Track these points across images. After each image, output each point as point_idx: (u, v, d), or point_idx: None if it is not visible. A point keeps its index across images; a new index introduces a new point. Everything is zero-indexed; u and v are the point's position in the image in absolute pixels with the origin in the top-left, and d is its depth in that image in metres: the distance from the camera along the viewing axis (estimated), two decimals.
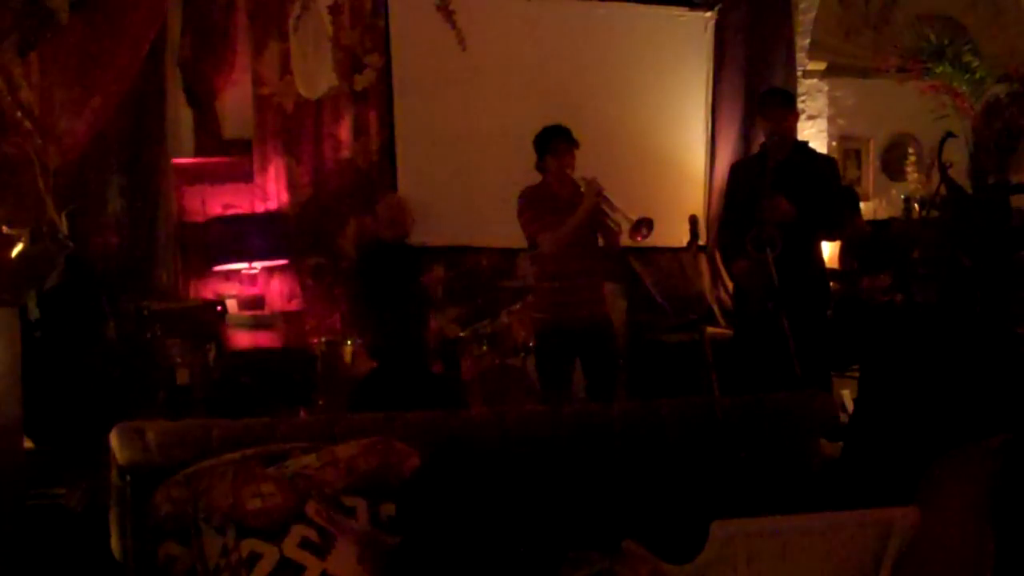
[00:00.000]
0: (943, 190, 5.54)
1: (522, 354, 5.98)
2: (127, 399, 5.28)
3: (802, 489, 2.95)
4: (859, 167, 7.74)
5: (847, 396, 5.95)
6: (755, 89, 7.09)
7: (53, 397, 4.92)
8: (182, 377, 5.76)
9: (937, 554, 2.72)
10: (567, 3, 7.23)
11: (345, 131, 6.79)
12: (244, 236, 6.37)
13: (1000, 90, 6.76)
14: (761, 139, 5.58)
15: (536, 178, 5.16)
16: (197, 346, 5.79)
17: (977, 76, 6.83)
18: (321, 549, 2.34)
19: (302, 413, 5.44)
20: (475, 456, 2.79)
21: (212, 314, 6.06)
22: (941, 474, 2.87)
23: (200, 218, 6.57)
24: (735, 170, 5.61)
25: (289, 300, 6.65)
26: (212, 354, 5.81)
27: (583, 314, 5.03)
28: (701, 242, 6.64)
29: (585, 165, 5.11)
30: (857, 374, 5.43)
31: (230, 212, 6.60)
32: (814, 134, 7.40)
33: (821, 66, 7.61)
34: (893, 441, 3.32)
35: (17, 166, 5.32)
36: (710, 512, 2.35)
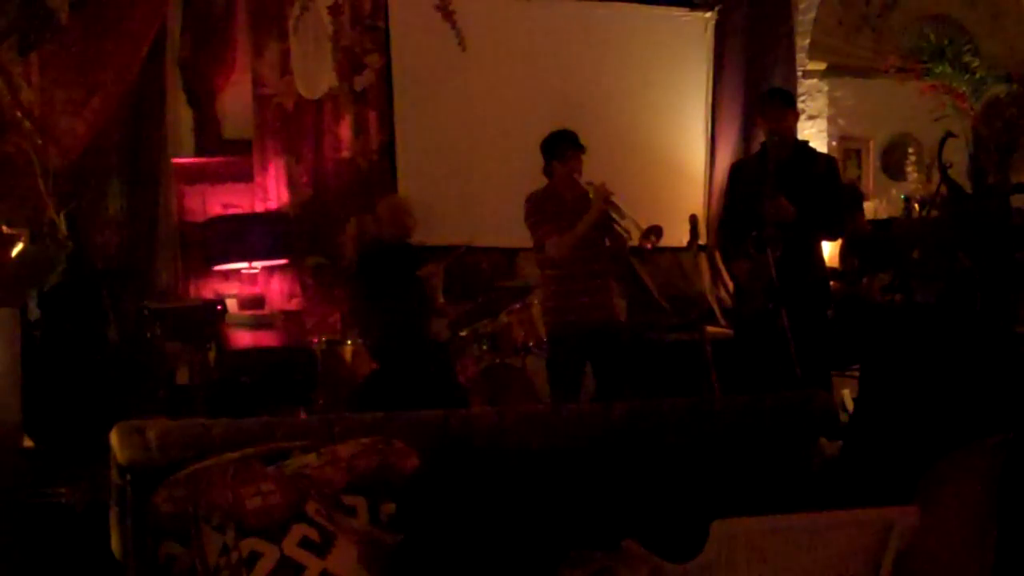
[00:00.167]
0: (943, 190, 5.55)
1: (522, 354, 5.98)
2: (127, 398, 5.28)
3: (802, 489, 2.95)
4: (859, 167, 7.74)
5: (847, 396, 5.95)
6: (755, 89, 7.09)
7: (53, 397, 4.92)
8: (182, 377, 5.77)
9: (937, 554, 2.72)
10: (567, 3, 7.23)
11: (345, 131, 6.79)
12: (244, 236, 6.37)
13: (1000, 90, 6.77)
14: (761, 139, 5.58)
15: (542, 182, 5.16)
16: (197, 346, 5.79)
17: (977, 76, 6.84)
18: (321, 548, 2.34)
19: (302, 413, 5.44)
20: (475, 456, 2.79)
21: (212, 314, 6.05)
22: (941, 473, 2.87)
23: (200, 218, 6.57)
24: (736, 170, 5.61)
25: (289, 300, 6.65)
26: (212, 354, 5.81)
27: (594, 316, 5.03)
28: (701, 242, 6.63)
29: (585, 165, 5.11)
30: (857, 374, 5.43)
31: (230, 212, 6.60)
32: (814, 134, 7.40)
33: (821, 66, 7.61)
34: (893, 441, 3.32)
35: (17, 166, 5.33)
36: (710, 512, 2.35)
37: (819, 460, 3.14)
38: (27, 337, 4.55)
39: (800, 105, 6.96)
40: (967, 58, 6.92)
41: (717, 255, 7.11)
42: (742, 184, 5.29)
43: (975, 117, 6.73)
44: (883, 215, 7.17)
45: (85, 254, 5.70)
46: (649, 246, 4.87)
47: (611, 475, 2.86)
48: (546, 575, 2.60)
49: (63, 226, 5.44)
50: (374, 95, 6.84)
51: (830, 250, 5.99)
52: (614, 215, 4.90)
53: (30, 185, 5.39)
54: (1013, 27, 7.31)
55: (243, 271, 6.52)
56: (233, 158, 6.67)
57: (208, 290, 6.53)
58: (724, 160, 7.26)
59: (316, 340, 6.06)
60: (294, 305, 6.64)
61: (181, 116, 6.63)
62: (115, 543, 2.60)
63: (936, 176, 5.83)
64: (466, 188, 6.85)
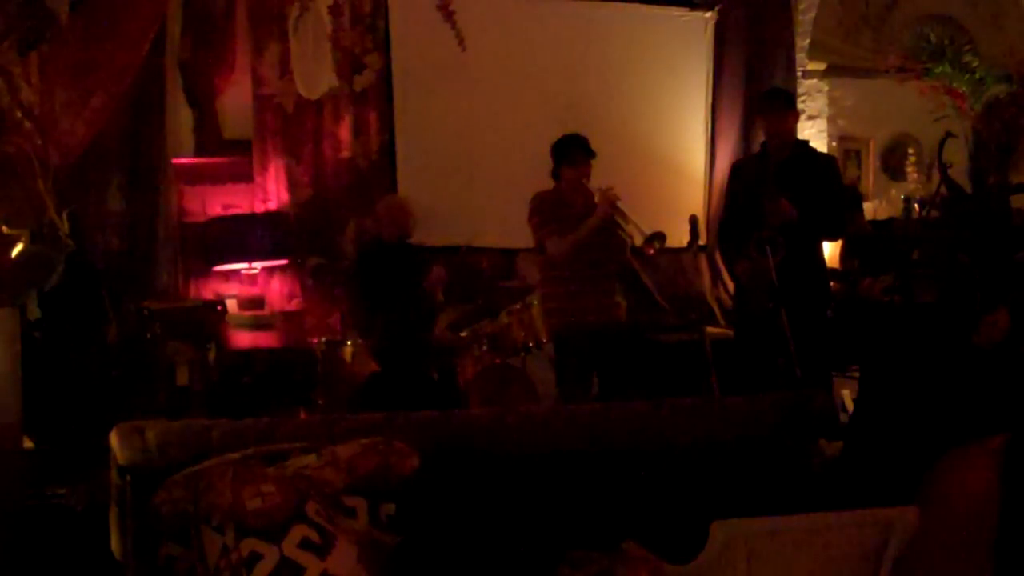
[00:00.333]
0: (943, 190, 5.55)
1: (522, 354, 5.98)
2: (127, 399, 5.28)
3: (802, 489, 2.95)
4: (859, 167, 7.74)
5: (847, 396, 5.95)
6: (755, 89, 7.09)
7: (53, 397, 4.93)
8: (182, 377, 5.76)
9: (937, 554, 2.72)
10: (567, 3, 7.23)
11: (345, 131, 6.80)
12: (244, 236, 6.38)
13: (1000, 90, 6.77)
14: (761, 139, 5.58)
15: (542, 181, 5.15)
16: (197, 346, 5.79)
17: (977, 76, 6.84)
18: (321, 549, 2.34)
19: (302, 413, 5.44)
20: (475, 456, 2.79)
21: (212, 314, 6.06)
22: (941, 473, 2.87)
23: (200, 218, 6.58)
24: (736, 169, 5.61)
25: (289, 300, 6.65)
26: (212, 354, 5.81)
27: (596, 318, 5.03)
28: (701, 242, 6.65)
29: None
30: (857, 374, 5.44)
31: (230, 212, 6.60)
32: (814, 134, 7.40)
33: (821, 66, 7.61)
34: (893, 441, 3.33)
35: (17, 166, 5.32)
36: (710, 512, 2.35)
37: (819, 460, 3.14)
38: (27, 337, 4.55)
39: (800, 105, 6.97)
40: (967, 58, 6.93)
41: (717, 255, 7.11)
42: (742, 184, 5.28)
43: (975, 117, 6.74)
44: (883, 215, 7.18)
45: (85, 254, 5.70)
46: (652, 252, 4.87)
47: (611, 475, 2.86)
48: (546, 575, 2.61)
49: (63, 226, 5.44)
50: (374, 95, 6.84)
51: (830, 250, 6.00)
52: (619, 220, 4.90)
53: (30, 185, 5.39)
54: (1013, 27, 7.31)
55: (243, 271, 6.53)
56: (233, 158, 6.67)
57: (208, 290, 6.53)
58: (724, 160, 7.26)
59: (316, 340, 6.06)
60: (294, 305, 6.64)
61: (181, 116, 6.63)
62: (115, 544, 2.60)
63: (936, 176, 5.84)
64: (466, 188, 6.85)
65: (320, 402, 5.76)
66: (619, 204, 4.87)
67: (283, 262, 6.59)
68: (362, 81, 6.80)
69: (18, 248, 4.74)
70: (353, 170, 6.82)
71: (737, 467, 2.93)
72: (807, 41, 7.53)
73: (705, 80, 7.45)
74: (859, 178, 7.69)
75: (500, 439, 2.86)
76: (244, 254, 6.39)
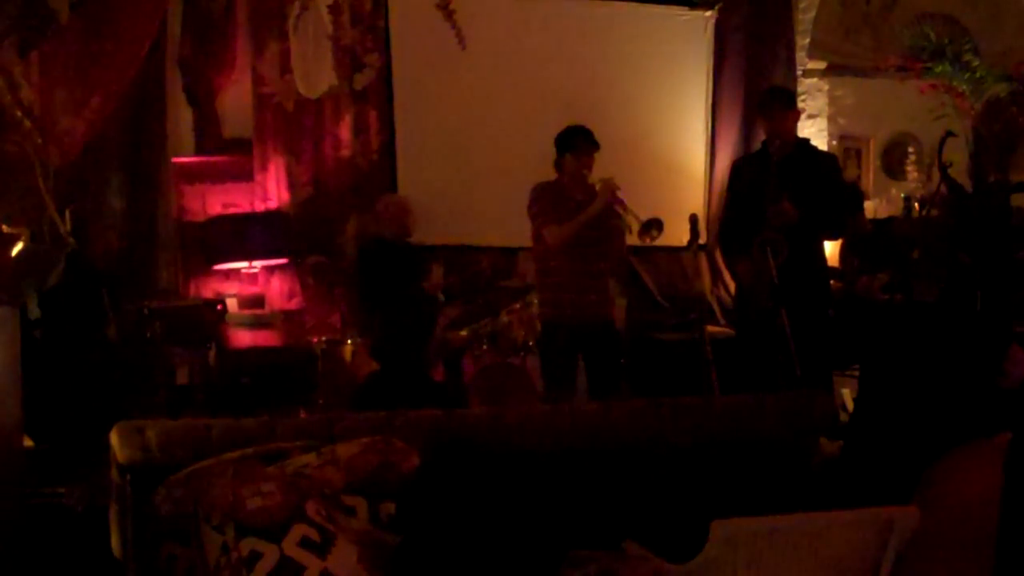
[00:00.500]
0: (943, 190, 5.55)
1: (522, 353, 5.98)
2: (127, 398, 5.28)
3: (802, 488, 2.95)
4: (859, 167, 7.74)
5: (847, 395, 5.95)
6: (755, 89, 7.09)
7: (53, 396, 4.92)
8: (182, 376, 5.76)
9: (937, 554, 2.72)
10: (567, 3, 7.23)
11: (345, 130, 6.79)
12: (244, 235, 6.38)
13: (1000, 90, 6.77)
14: (761, 137, 5.58)
15: (546, 173, 5.14)
16: (197, 345, 5.79)
17: (977, 76, 6.83)
18: (321, 548, 2.34)
19: (302, 412, 5.44)
20: (475, 456, 2.79)
21: (212, 313, 6.06)
22: (942, 473, 2.87)
23: (200, 217, 6.57)
24: (737, 167, 5.61)
25: (289, 299, 6.65)
26: (212, 353, 5.81)
27: (588, 314, 5.02)
28: (701, 241, 6.63)
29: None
30: (857, 374, 5.44)
31: (230, 211, 6.60)
32: (814, 134, 7.40)
33: (821, 66, 7.61)
34: (893, 440, 3.33)
35: (17, 166, 5.32)
36: (710, 512, 2.35)
37: (819, 459, 3.14)
38: (27, 337, 4.54)
39: (800, 104, 6.95)
40: (967, 57, 6.92)
41: (717, 255, 7.11)
42: (743, 183, 5.29)
43: (975, 117, 6.73)
44: (883, 215, 7.18)
45: (85, 254, 5.70)
46: (649, 240, 4.85)
47: (611, 475, 2.86)
48: (547, 575, 2.61)
49: (63, 225, 5.44)
50: (374, 95, 6.84)
51: (830, 249, 6.00)
52: (618, 209, 4.89)
53: (30, 185, 5.39)
54: (1013, 27, 7.31)
55: (243, 271, 6.53)
56: (233, 158, 6.67)
57: (208, 290, 6.53)
58: (724, 160, 7.26)
59: (316, 340, 6.06)
60: (294, 305, 6.64)
61: (181, 116, 6.63)
62: (115, 543, 2.60)
63: (936, 176, 5.83)
64: (466, 188, 6.84)
65: (320, 401, 5.77)
66: (619, 193, 4.87)
67: (283, 261, 6.59)
68: (362, 80, 6.80)
69: (18, 247, 4.73)
70: (353, 169, 6.81)
71: (737, 467, 2.93)
72: (807, 40, 7.52)
73: (705, 80, 7.44)
74: (859, 177, 7.68)
75: (500, 439, 2.87)
76: (244, 253, 6.39)
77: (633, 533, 2.62)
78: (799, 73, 7.52)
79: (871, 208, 7.34)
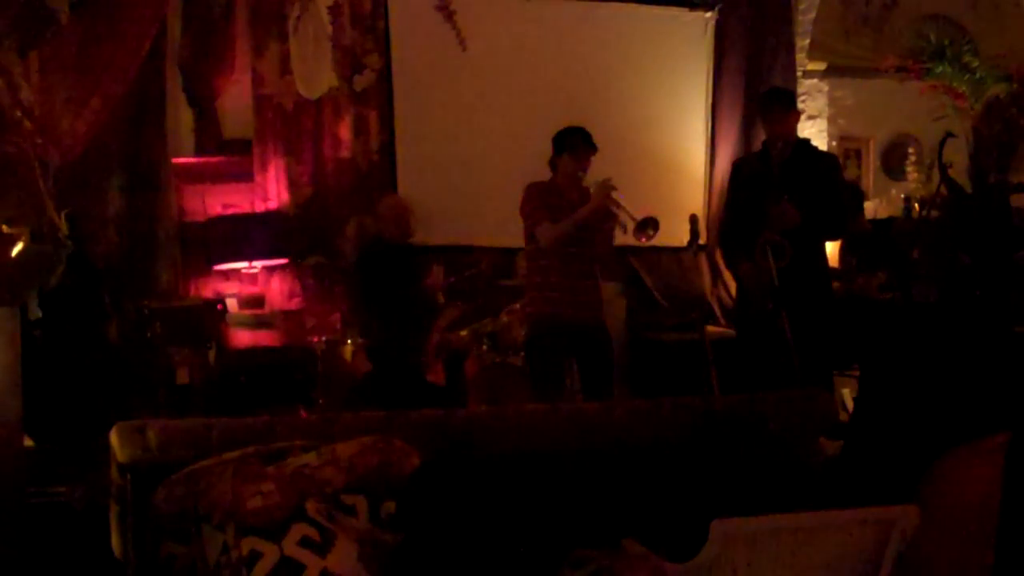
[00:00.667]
0: (943, 190, 5.55)
1: (522, 353, 5.97)
2: (127, 398, 5.28)
3: (802, 488, 2.95)
4: (859, 167, 7.74)
5: (847, 395, 5.96)
6: (755, 89, 7.09)
7: (53, 397, 4.93)
8: (182, 376, 5.76)
9: (937, 554, 2.72)
10: (567, 3, 7.23)
11: (345, 131, 6.80)
12: (244, 235, 6.38)
13: (1000, 90, 6.76)
14: (762, 137, 5.58)
15: (546, 174, 5.14)
16: (197, 345, 5.79)
17: (977, 76, 6.83)
18: (321, 547, 2.34)
19: (302, 412, 5.44)
20: (475, 455, 2.79)
21: (212, 313, 6.06)
22: (942, 473, 2.87)
23: (200, 217, 6.58)
24: (737, 167, 5.60)
25: (289, 299, 6.65)
26: (212, 353, 5.81)
27: (579, 316, 4.99)
28: (701, 241, 6.64)
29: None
30: (857, 374, 5.44)
31: (230, 211, 6.60)
32: (814, 134, 7.41)
33: (821, 66, 7.61)
34: (893, 440, 3.33)
35: (17, 166, 5.33)
36: (710, 512, 2.35)
37: (819, 459, 3.14)
38: (27, 337, 4.55)
39: (800, 105, 6.96)
40: (967, 58, 6.91)
41: (717, 255, 7.11)
42: (744, 182, 5.28)
43: (975, 117, 6.73)
44: (883, 215, 7.18)
45: (85, 254, 5.70)
46: (645, 240, 4.83)
47: (611, 475, 2.86)
48: (546, 575, 2.61)
49: (63, 226, 5.44)
50: (374, 95, 6.84)
51: (830, 249, 6.01)
52: (613, 209, 4.88)
53: (30, 185, 5.39)
54: (1013, 27, 7.31)
55: (243, 271, 6.53)
56: (233, 158, 6.67)
57: (208, 290, 6.53)
58: (724, 160, 7.26)
59: (316, 340, 6.06)
60: (294, 305, 6.64)
61: (181, 116, 6.63)
62: (115, 542, 2.60)
63: (936, 176, 5.83)
64: (466, 188, 6.85)
65: (320, 401, 5.77)
66: (614, 195, 4.85)
67: (283, 261, 6.59)
68: (362, 81, 6.80)
69: (18, 248, 4.74)
70: (353, 170, 6.82)
71: (737, 466, 2.93)
72: (807, 41, 7.53)
73: (705, 80, 7.44)
74: (859, 178, 7.69)
75: (500, 438, 2.87)
76: (244, 253, 6.39)
77: (633, 532, 2.62)
78: (799, 74, 7.52)
79: (871, 208, 7.35)
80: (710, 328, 5.81)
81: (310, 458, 2.53)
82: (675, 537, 2.48)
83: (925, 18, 7.42)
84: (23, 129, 5.37)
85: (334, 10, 6.39)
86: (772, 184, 4.97)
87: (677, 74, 7.40)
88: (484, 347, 6.06)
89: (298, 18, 6.33)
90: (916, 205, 6.62)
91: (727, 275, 6.97)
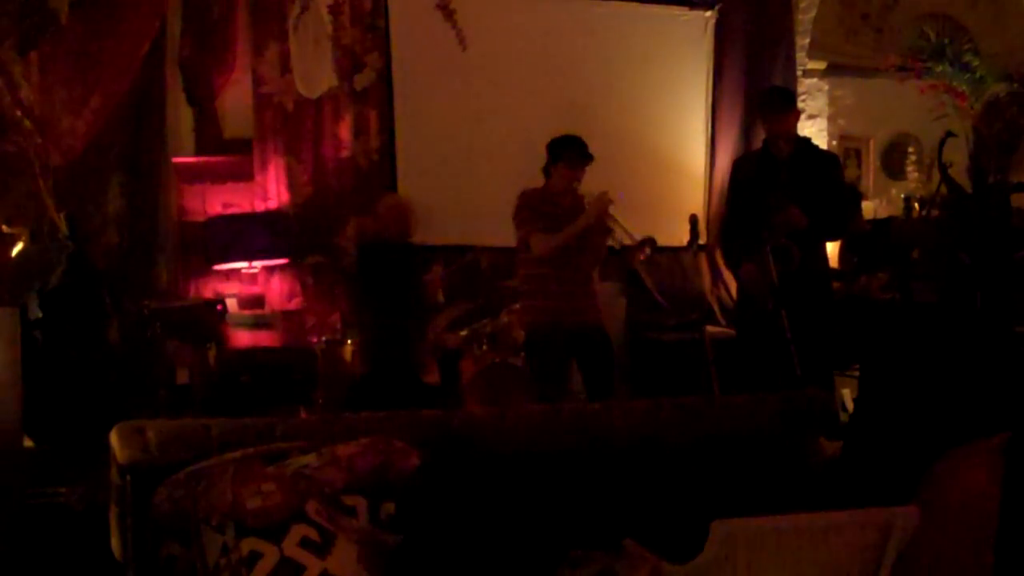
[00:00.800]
0: (943, 190, 5.55)
1: (522, 353, 5.97)
2: (127, 398, 5.28)
3: (802, 488, 2.95)
4: (859, 167, 7.74)
5: (847, 395, 5.96)
6: (755, 89, 7.09)
7: (53, 397, 4.93)
8: (182, 376, 5.77)
9: (937, 554, 2.72)
10: (567, 3, 7.22)
11: (345, 131, 6.79)
12: (244, 235, 6.37)
13: (1000, 90, 6.76)
14: (762, 137, 5.58)
15: (539, 181, 5.14)
16: (197, 345, 5.79)
17: (977, 76, 6.83)
18: (321, 548, 2.34)
19: (302, 412, 5.44)
20: (475, 456, 2.79)
21: (212, 313, 6.06)
22: (941, 473, 2.87)
23: (200, 217, 6.57)
24: (738, 165, 5.60)
25: (289, 299, 6.65)
26: (212, 353, 5.81)
27: (577, 320, 5.01)
28: (701, 241, 6.64)
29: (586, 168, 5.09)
30: (857, 373, 5.44)
31: (230, 211, 6.60)
32: (814, 134, 7.39)
33: (821, 66, 7.61)
34: (893, 440, 3.33)
35: (17, 166, 5.33)
36: (710, 512, 2.35)
37: (819, 459, 3.14)
38: (27, 337, 4.55)
39: (800, 104, 6.96)
40: (967, 58, 6.92)
41: (717, 255, 7.11)
42: (745, 181, 5.28)
43: (975, 117, 6.73)
44: (883, 215, 7.18)
45: (85, 254, 5.70)
46: (642, 257, 4.86)
47: (611, 475, 2.86)
48: (546, 575, 2.61)
49: (63, 226, 5.45)
50: (374, 95, 6.83)
51: (830, 249, 6.01)
52: (610, 224, 4.89)
53: (30, 185, 5.40)
54: (1013, 27, 7.31)
55: (243, 271, 6.52)
56: (233, 158, 6.66)
57: (208, 290, 6.53)
58: (724, 160, 7.26)
59: (316, 340, 6.06)
60: (294, 305, 6.64)
61: (181, 116, 6.62)
62: (115, 543, 2.60)
63: (936, 176, 5.83)
64: (466, 188, 6.84)
65: (320, 401, 5.76)
66: (611, 209, 4.85)
67: (283, 261, 6.59)
68: (362, 80, 6.80)
69: (18, 247, 4.75)
70: (353, 170, 6.81)
71: (737, 466, 2.93)
72: (807, 40, 7.52)
73: (705, 80, 7.44)
74: (859, 178, 7.68)
75: (500, 438, 2.86)
76: (244, 253, 6.38)
77: (632, 532, 2.62)
78: (799, 73, 7.52)
79: (871, 208, 7.34)
80: (710, 328, 5.80)
81: (310, 459, 2.53)
82: (675, 537, 2.48)
83: (925, 17, 7.41)
84: (23, 129, 5.37)
85: (334, 9, 6.39)
86: (778, 187, 4.96)
87: (677, 74, 7.40)
88: (484, 347, 6.05)
89: (298, 18, 6.33)
90: (916, 205, 6.62)
91: (727, 275, 6.97)
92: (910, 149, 7.47)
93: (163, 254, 6.37)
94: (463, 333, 6.13)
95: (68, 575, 3.67)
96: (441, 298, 6.02)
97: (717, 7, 7.42)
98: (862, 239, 6.43)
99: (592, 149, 5.08)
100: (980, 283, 4.84)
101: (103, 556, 2.65)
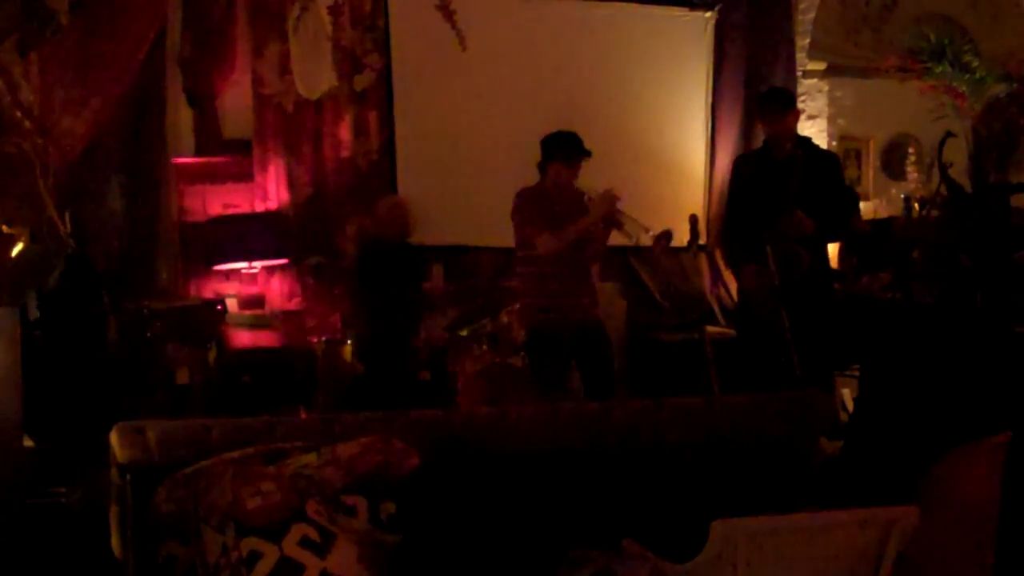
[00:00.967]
0: (943, 190, 5.55)
1: (522, 353, 5.97)
2: (127, 398, 5.28)
3: (802, 488, 2.95)
4: (859, 167, 7.74)
5: (847, 395, 5.96)
6: (755, 89, 7.09)
7: (53, 397, 4.92)
8: (182, 377, 5.76)
9: (937, 554, 2.72)
10: (567, 3, 7.23)
11: (345, 131, 6.79)
12: (244, 235, 6.38)
13: (1000, 90, 6.76)
14: (762, 137, 5.58)
15: (534, 178, 5.13)
16: (197, 346, 5.79)
17: (977, 76, 6.83)
18: (321, 548, 2.34)
19: (302, 412, 5.44)
20: (475, 455, 2.79)
21: (212, 313, 6.05)
22: (941, 473, 2.87)
23: (200, 218, 6.57)
24: (739, 165, 5.60)
25: (289, 299, 6.65)
26: (212, 353, 5.81)
27: (577, 319, 5.01)
28: (701, 241, 6.64)
29: (586, 166, 5.09)
30: (857, 373, 5.44)
31: (230, 212, 6.60)
32: (814, 134, 7.39)
33: (821, 66, 7.61)
34: (893, 440, 3.33)
35: (17, 166, 5.32)
36: (710, 512, 2.36)
37: (819, 459, 3.15)
38: (27, 337, 4.55)
39: (800, 105, 6.95)
40: (967, 58, 6.91)
41: (718, 254, 7.11)
42: (747, 183, 5.28)
43: (975, 117, 6.72)
44: (883, 215, 7.18)
45: (85, 254, 5.70)
46: (659, 250, 4.86)
47: (611, 475, 2.86)
48: (546, 575, 2.61)
49: (63, 226, 5.44)
50: (374, 95, 6.84)
51: (830, 250, 6.00)
52: (620, 220, 4.88)
53: (30, 185, 5.39)
54: (1013, 27, 7.30)
55: (243, 271, 6.52)
56: (233, 158, 6.66)
57: (208, 290, 6.53)
58: (724, 160, 7.26)
59: (316, 340, 6.06)
60: (294, 305, 6.64)
61: (181, 116, 6.62)
62: (115, 543, 2.60)
63: (936, 176, 5.83)
64: (466, 188, 6.84)
65: (320, 401, 5.76)
66: (619, 205, 4.85)
67: (283, 262, 6.59)
68: (362, 81, 6.80)
69: (18, 248, 4.74)
70: (353, 170, 6.81)
71: (737, 466, 2.93)
72: (807, 41, 7.52)
73: (705, 80, 7.44)
74: (859, 178, 7.68)
75: (500, 438, 2.87)
76: (244, 253, 6.38)
77: (632, 532, 2.62)
78: (799, 74, 7.52)
79: (871, 208, 7.35)
80: (710, 328, 5.80)
81: (310, 459, 2.54)
82: (675, 537, 2.49)
83: (925, 18, 7.41)
84: (23, 129, 5.36)
85: (334, 10, 6.38)
86: (784, 190, 4.95)
87: (677, 74, 7.40)
88: (484, 347, 6.05)
89: (298, 18, 6.32)
90: (916, 205, 6.62)
91: (727, 275, 6.97)
92: (910, 149, 7.47)
93: (163, 254, 6.36)
94: (463, 333, 6.13)
95: (68, 575, 3.67)
96: (440, 299, 6.03)
97: (717, 7, 7.42)
98: (862, 239, 6.43)
99: (592, 149, 5.08)
100: (980, 283, 4.84)
101: (103, 556, 2.65)
